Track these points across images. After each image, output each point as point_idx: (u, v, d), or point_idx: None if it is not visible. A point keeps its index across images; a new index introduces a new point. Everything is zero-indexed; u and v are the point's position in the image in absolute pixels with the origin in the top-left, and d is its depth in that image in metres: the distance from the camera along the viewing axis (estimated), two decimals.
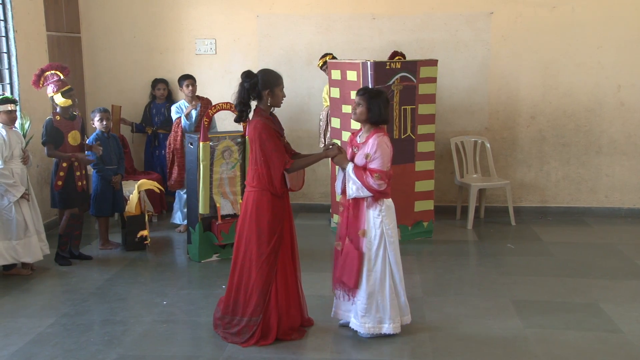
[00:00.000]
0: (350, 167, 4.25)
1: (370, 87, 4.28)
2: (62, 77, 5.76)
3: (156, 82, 7.66)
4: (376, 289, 4.28)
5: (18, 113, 6.48)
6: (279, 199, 4.28)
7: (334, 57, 7.05)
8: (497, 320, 4.66)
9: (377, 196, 4.22)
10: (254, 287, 4.28)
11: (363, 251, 4.27)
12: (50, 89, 5.75)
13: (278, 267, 4.30)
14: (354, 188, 4.23)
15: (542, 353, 4.16)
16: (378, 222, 4.26)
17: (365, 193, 4.21)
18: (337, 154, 4.33)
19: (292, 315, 4.38)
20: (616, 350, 4.22)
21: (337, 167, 4.41)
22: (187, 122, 6.70)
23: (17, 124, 5.74)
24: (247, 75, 4.25)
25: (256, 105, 4.29)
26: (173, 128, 6.80)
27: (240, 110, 4.27)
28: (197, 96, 6.87)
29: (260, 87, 4.20)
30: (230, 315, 4.39)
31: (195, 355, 4.18)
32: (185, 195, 6.58)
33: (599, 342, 4.32)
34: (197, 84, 6.93)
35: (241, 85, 4.25)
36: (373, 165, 4.18)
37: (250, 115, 4.33)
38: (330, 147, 4.38)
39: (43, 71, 5.76)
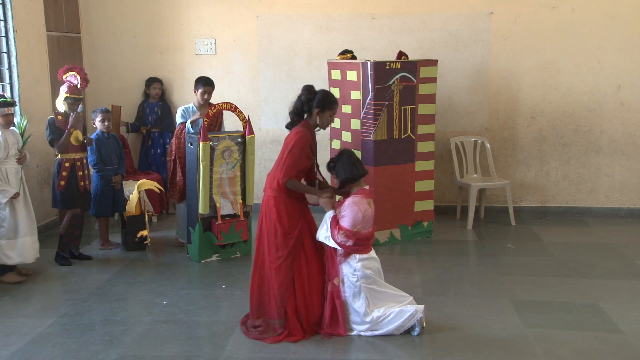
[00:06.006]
0: (330, 214, 4.42)
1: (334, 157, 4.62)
2: (77, 83, 5.77)
3: (152, 81, 7.64)
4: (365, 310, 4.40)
5: (19, 112, 6.49)
6: (297, 202, 4.44)
7: (354, 56, 6.94)
8: (497, 320, 4.66)
9: (347, 251, 4.35)
10: (273, 289, 4.41)
11: (343, 299, 4.40)
12: (63, 88, 5.77)
13: (296, 272, 4.41)
14: (324, 234, 4.40)
15: (542, 353, 4.17)
16: (354, 280, 4.36)
17: (331, 243, 4.36)
18: (327, 197, 4.47)
19: (305, 320, 4.43)
20: (616, 350, 4.22)
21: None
22: (192, 130, 6.09)
23: (15, 122, 5.66)
24: (307, 89, 4.51)
25: (305, 118, 4.52)
26: (175, 134, 6.21)
27: (292, 119, 4.55)
28: (210, 103, 6.26)
29: (314, 104, 4.44)
30: (255, 319, 4.50)
31: (195, 355, 4.18)
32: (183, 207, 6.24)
33: (599, 342, 4.32)
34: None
35: (299, 97, 4.50)
36: (341, 222, 4.34)
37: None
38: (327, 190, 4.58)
39: (70, 69, 5.83)
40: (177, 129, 6.23)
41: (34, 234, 5.65)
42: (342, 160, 4.45)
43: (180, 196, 6.25)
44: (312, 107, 4.44)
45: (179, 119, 6.27)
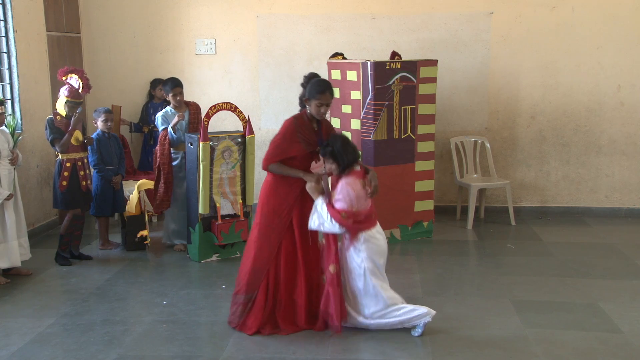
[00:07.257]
0: (320, 200, 4.31)
1: (325, 140, 4.47)
2: (80, 87, 5.75)
3: (158, 83, 7.61)
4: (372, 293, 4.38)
5: (18, 113, 6.50)
6: (289, 185, 4.44)
7: (344, 58, 6.95)
8: (497, 320, 4.66)
9: (355, 230, 4.27)
10: (248, 264, 4.45)
11: (354, 289, 4.36)
12: (63, 91, 5.74)
13: (281, 257, 4.43)
14: (317, 222, 4.32)
15: (542, 353, 4.17)
16: (359, 261, 4.32)
17: (326, 229, 4.28)
18: (312, 182, 4.37)
19: (282, 311, 4.45)
20: (616, 350, 4.21)
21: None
22: (175, 136, 6.03)
23: (6, 122, 5.58)
24: (306, 77, 4.54)
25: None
26: (159, 140, 6.09)
27: (300, 106, 4.66)
28: (185, 102, 6.22)
29: (305, 92, 4.47)
30: (235, 294, 4.54)
31: (195, 355, 4.18)
32: (173, 212, 6.22)
33: (599, 342, 4.32)
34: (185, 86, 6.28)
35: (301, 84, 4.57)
36: (337, 205, 4.26)
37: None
38: (316, 173, 4.49)
39: (71, 71, 5.79)
40: (160, 136, 6.12)
41: (23, 235, 5.60)
42: (339, 145, 4.30)
43: (159, 204, 6.14)
44: (304, 96, 4.48)
45: (160, 125, 6.14)
